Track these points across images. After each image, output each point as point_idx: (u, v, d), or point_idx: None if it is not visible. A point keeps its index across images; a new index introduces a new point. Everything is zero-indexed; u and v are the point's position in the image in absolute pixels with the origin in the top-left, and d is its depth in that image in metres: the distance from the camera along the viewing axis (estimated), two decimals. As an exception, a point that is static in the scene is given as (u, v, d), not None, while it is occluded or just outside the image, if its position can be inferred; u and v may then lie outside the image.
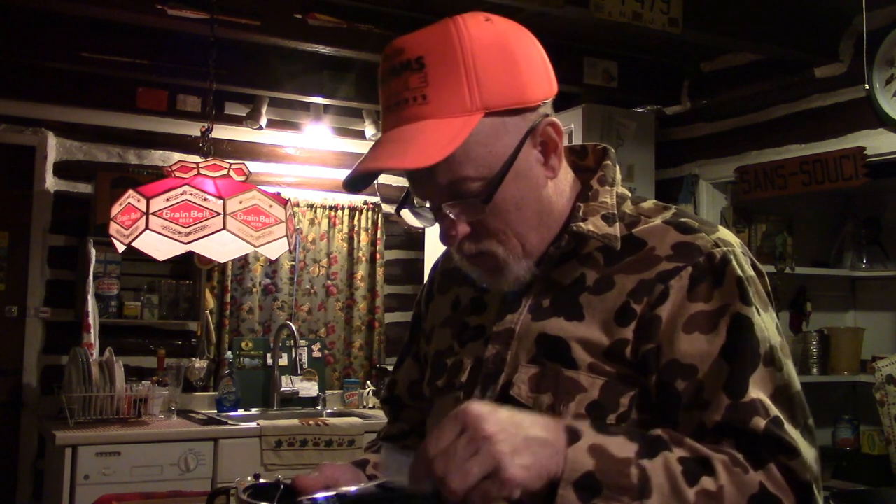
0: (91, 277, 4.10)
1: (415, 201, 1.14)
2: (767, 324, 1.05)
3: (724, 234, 1.11)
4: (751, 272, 1.08)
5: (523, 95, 1.05)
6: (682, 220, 1.12)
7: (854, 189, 3.67)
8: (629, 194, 1.18)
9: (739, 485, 0.95)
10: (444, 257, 1.35)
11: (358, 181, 1.10)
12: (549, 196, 1.12)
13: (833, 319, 4.22)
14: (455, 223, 1.08)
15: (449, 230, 1.09)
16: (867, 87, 3.31)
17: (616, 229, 1.12)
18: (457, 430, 0.91)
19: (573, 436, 0.95)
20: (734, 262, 1.06)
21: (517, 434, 0.92)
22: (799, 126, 3.81)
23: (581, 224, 1.11)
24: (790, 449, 0.97)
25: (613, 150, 1.22)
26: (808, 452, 0.99)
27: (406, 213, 1.15)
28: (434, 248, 4.54)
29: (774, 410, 0.99)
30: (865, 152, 3.44)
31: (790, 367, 1.05)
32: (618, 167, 1.20)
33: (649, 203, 1.17)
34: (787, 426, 0.99)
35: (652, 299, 1.05)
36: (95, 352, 4.02)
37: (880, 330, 4.12)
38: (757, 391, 1.00)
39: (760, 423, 0.98)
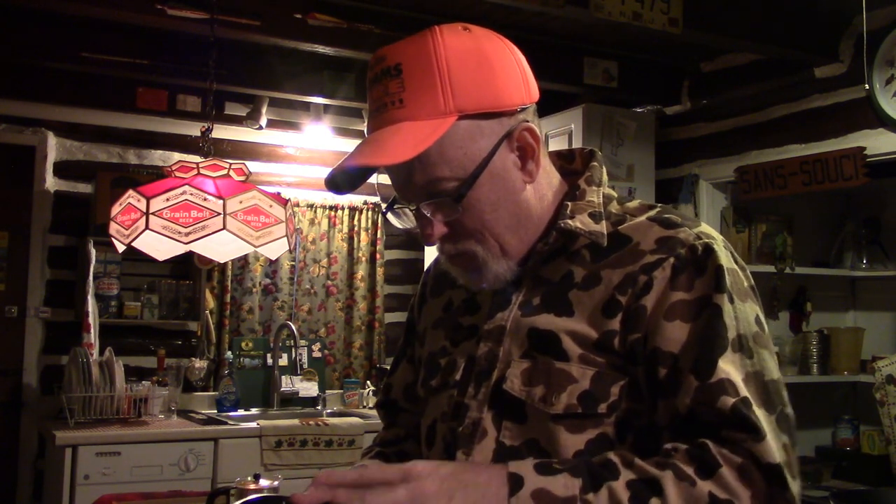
0: (91, 277, 4.11)
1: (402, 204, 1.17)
2: (741, 313, 1.06)
3: (706, 228, 1.14)
4: (731, 264, 1.10)
5: (498, 100, 1.09)
6: (666, 216, 1.15)
7: (854, 189, 3.67)
8: (616, 195, 1.21)
9: (689, 500, 0.96)
10: (437, 262, 1.37)
11: (340, 182, 1.14)
12: (528, 199, 1.15)
13: (833, 319, 4.21)
14: (431, 222, 1.12)
15: (425, 229, 1.13)
16: (867, 87, 3.31)
17: (603, 227, 1.14)
18: (398, 487, 0.95)
19: (516, 484, 0.97)
20: (715, 253, 1.09)
21: (457, 490, 0.95)
22: (799, 126, 3.81)
23: (569, 221, 1.14)
24: (755, 430, 0.98)
25: (600, 153, 1.25)
26: (777, 438, 1.00)
27: (390, 216, 1.19)
28: (434, 249, 4.53)
29: (745, 391, 1.01)
30: (865, 152, 3.44)
31: (765, 356, 1.06)
32: (604, 169, 1.23)
33: (634, 203, 1.20)
34: (756, 408, 1.00)
35: (636, 290, 1.08)
36: (95, 352, 4.02)
37: (880, 330, 4.12)
38: (726, 373, 1.01)
39: (728, 401, 0.99)
